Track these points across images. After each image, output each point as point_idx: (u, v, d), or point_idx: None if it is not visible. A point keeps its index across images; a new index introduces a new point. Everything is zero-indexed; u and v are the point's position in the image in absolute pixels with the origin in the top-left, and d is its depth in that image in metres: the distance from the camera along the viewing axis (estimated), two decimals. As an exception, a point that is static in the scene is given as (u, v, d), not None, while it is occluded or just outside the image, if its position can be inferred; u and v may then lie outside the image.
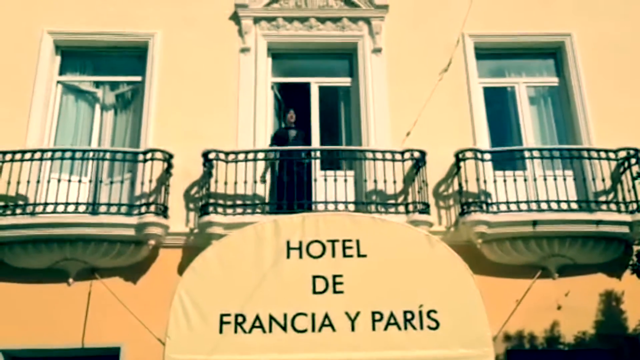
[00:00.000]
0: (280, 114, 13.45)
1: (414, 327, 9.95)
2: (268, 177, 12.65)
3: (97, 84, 13.73)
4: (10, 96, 12.99)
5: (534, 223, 11.85)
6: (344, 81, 13.84)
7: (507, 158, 12.77)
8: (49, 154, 12.29)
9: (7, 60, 13.32)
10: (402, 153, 12.44)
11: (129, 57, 13.72)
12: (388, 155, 12.40)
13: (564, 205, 12.14)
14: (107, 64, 13.78)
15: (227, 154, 12.30)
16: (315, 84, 13.58)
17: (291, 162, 12.29)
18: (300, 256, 10.41)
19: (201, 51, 13.53)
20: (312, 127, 13.20)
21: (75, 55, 13.77)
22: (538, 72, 14.04)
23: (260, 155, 12.53)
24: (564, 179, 12.51)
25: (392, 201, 12.33)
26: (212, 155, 12.25)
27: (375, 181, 12.38)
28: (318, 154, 12.54)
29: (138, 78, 13.57)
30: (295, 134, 12.89)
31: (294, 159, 12.34)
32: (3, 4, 13.71)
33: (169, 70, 13.36)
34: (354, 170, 12.72)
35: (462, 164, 12.44)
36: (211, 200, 12.03)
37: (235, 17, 13.77)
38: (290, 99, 13.43)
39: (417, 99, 13.10)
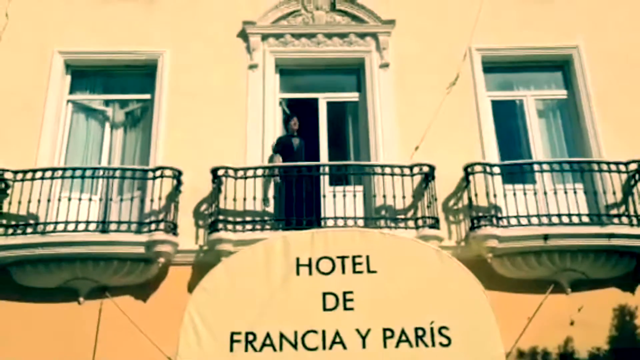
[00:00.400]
0: (286, 125, 13.44)
1: (425, 345, 9.90)
2: (271, 193, 12.58)
3: (107, 103, 13.76)
4: (21, 115, 13.02)
5: (545, 237, 11.75)
6: (352, 96, 13.81)
7: (517, 171, 12.66)
8: (60, 173, 12.29)
9: (18, 79, 13.37)
10: (411, 168, 12.40)
11: (139, 75, 13.75)
12: (397, 170, 12.34)
13: (575, 219, 12.04)
14: (117, 83, 13.82)
15: (236, 170, 12.27)
16: (324, 99, 13.56)
17: (300, 178, 12.22)
18: (310, 273, 10.38)
19: (209, 68, 13.57)
20: (321, 142, 13.15)
21: (86, 74, 13.82)
22: (546, 85, 13.96)
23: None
24: (575, 192, 12.38)
25: (402, 216, 12.24)
26: (221, 172, 12.22)
27: (384, 196, 12.32)
28: (327, 169, 12.47)
29: (147, 96, 13.60)
30: (299, 143, 12.88)
31: (303, 175, 12.25)
32: (14, 24, 13.75)
33: (177, 88, 13.39)
34: (362, 186, 12.64)
35: (471, 177, 12.37)
36: (220, 217, 11.99)
37: (243, 34, 13.79)
38: (298, 115, 13.38)
39: (425, 113, 13.06)
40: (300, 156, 12.80)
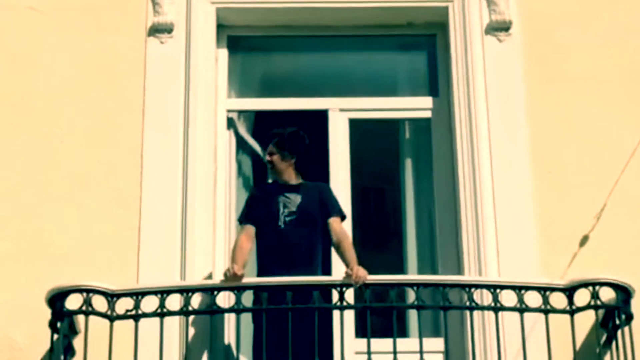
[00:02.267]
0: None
1: None
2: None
3: None
4: None
5: None
6: (415, 106, 6.30)
7: None
8: None
9: None
10: (570, 290, 5.04)
11: None
12: (534, 299, 5.02)
13: None
14: None
15: (112, 296, 5.01)
16: (341, 113, 6.19)
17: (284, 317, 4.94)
18: None
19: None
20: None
21: None
22: None
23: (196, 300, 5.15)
24: None
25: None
26: (72, 302, 4.95)
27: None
28: (349, 295, 5.03)
29: None
30: (300, 201, 5.56)
31: (295, 307, 4.96)
32: None
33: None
34: (444, 338, 5.05)
35: None
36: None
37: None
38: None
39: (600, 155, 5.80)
40: (296, 243, 5.47)
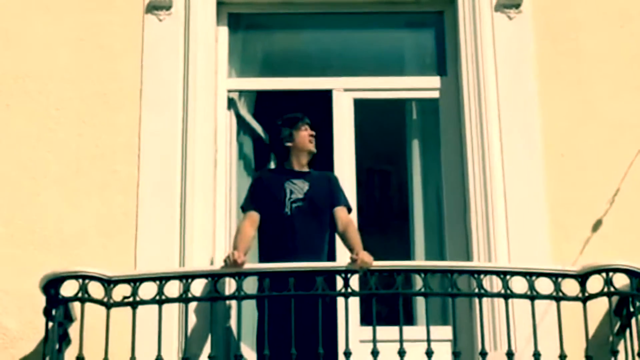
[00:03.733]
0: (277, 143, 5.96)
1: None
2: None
3: None
4: None
5: None
6: (423, 86, 6.21)
7: None
8: None
9: None
10: (583, 277, 4.94)
11: None
12: (545, 285, 4.92)
13: None
14: None
15: (109, 283, 4.94)
16: (346, 93, 6.11)
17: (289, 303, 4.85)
18: None
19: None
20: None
21: None
22: None
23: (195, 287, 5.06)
24: None
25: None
26: (67, 288, 4.90)
27: (509, 349, 4.78)
28: (353, 282, 5.00)
29: None
30: (307, 191, 5.46)
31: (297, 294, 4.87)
32: None
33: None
34: (453, 327, 4.95)
35: None
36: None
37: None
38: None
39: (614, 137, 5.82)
40: (301, 230, 5.42)
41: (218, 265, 5.13)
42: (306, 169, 5.49)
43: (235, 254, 4.89)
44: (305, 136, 5.48)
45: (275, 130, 5.71)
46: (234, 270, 4.85)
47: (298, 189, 5.37)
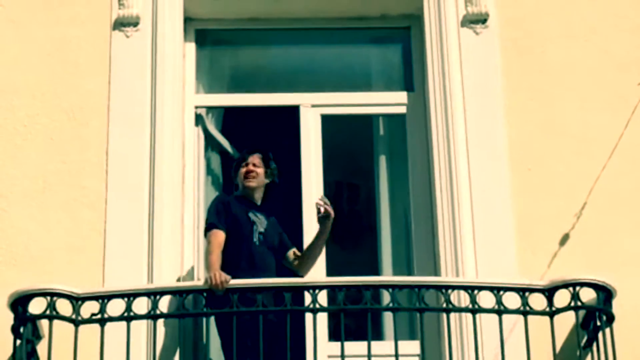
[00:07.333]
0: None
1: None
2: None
3: None
4: None
5: None
6: (390, 101, 6.20)
7: None
8: None
9: None
10: (550, 291, 4.93)
11: None
12: (512, 300, 4.91)
13: None
14: None
15: (77, 299, 4.87)
16: (314, 109, 6.10)
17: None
18: None
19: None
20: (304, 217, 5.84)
21: None
22: None
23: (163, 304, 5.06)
24: None
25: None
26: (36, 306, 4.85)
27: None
28: (323, 298, 4.97)
29: None
30: (266, 225, 5.55)
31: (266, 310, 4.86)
32: None
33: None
34: (420, 341, 4.93)
35: None
36: None
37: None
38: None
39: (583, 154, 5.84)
40: (264, 259, 5.50)
41: (185, 281, 5.13)
42: (259, 202, 5.55)
43: (222, 276, 4.85)
44: (242, 174, 5.50)
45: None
46: (205, 287, 4.83)
47: (260, 222, 5.42)
